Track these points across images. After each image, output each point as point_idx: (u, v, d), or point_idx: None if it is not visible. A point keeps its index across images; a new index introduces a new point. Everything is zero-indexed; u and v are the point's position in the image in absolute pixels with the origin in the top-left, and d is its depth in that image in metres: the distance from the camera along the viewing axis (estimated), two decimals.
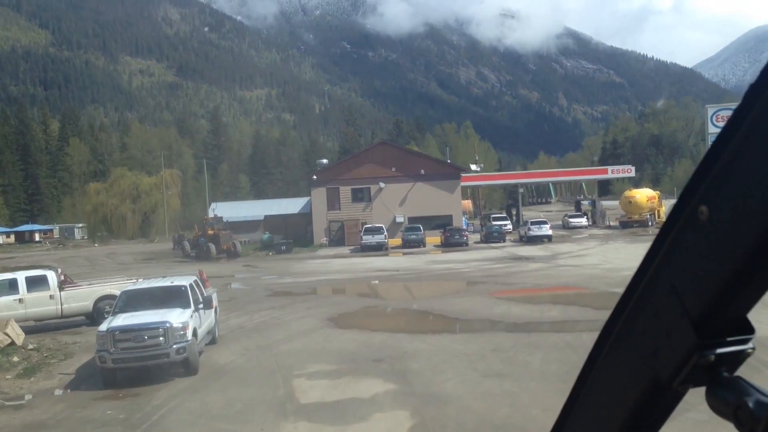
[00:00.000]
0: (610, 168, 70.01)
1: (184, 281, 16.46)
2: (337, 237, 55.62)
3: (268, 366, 15.01)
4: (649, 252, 1.01)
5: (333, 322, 20.34)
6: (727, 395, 0.92)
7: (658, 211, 59.49)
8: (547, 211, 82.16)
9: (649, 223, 56.33)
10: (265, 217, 61.20)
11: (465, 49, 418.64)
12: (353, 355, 15.61)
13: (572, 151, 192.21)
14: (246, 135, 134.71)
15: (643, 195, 57.76)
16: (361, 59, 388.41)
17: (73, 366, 16.17)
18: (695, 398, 1.04)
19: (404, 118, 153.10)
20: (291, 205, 66.41)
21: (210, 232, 50.04)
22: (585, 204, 71.39)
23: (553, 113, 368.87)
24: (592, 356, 1.16)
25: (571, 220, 59.61)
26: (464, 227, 53.77)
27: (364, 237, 48.89)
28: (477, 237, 52.57)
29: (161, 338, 13.96)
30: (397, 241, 51.07)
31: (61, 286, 21.54)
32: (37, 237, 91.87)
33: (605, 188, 78.96)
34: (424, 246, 49.56)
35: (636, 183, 69.57)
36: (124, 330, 13.99)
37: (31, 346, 18.19)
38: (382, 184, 56.10)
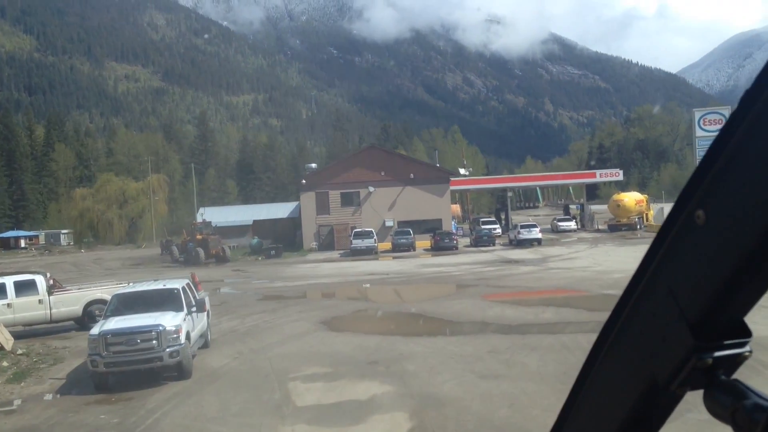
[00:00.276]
0: (598, 172, 70.34)
1: (177, 284, 16.28)
2: (327, 241, 55.44)
3: (262, 369, 14.86)
4: (647, 255, 1.02)
5: (326, 325, 20.21)
6: (725, 398, 0.92)
7: (646, 214, 59.80)
8: (534, 216, 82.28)
9: (638, 227, 56.59)
10: (254, 221, 60.91)
11: (451, 54, 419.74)
12: (348, 357, 15.49)
13: (559, 156, 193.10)
14: (233, 140, 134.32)
15: (632, 199, 58.01)
16: (348, 65, 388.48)
17: (63, 371, 15.94)
18: (695, 398, 1.03)
19: (392, 123, 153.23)
20: (280, 210, 66.15)
21: (199, 236, 49.75)
22: (573, 208, 71.59)
23: (540, 118, 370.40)
24: (590, 359, 1.16)
25: (560, 223, 59.77)
26: (454, 231, 53.76)
27: (354, 241, 48.76)
28: (466, 241, 52.57)
29: (154, 342, 13.77)
30: (386, 245, 50.98)
31: (50, 290, 21.26)
32: (22, 243, 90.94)
33: (592, 193, 79.24)
34: (414, 250, 49.51)
35: (623, 187, 69.80)
36: (117, 333, 13.80)
37: (20, 351, 17.94)
38: (371, 188, 56.00)
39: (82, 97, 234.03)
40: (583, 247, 44.72)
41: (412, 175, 56.28)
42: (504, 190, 68.66)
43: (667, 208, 53.22)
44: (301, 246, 55.69)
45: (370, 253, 47.76)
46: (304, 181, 58.35)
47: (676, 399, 1.05)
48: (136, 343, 13.73)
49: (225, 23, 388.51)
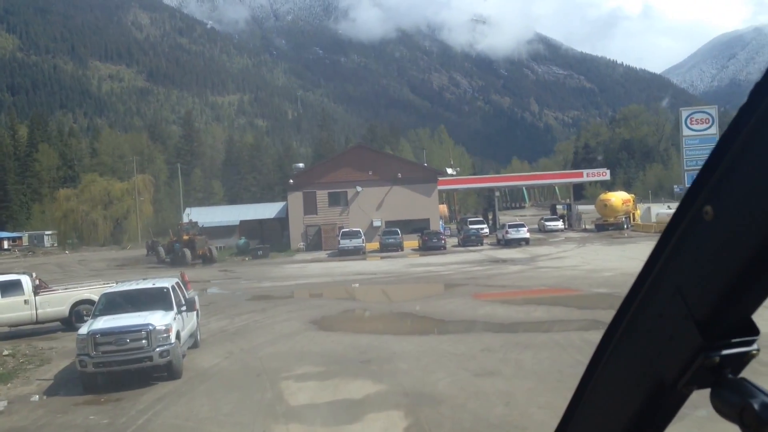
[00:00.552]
0: (585, 171, 70.58)
1: (166, 283, 16.09)
2: (314, 241, 55.24)
3: (253, 369, 14.70)
4: (654, 252, 1.01)
5: (316, 324, 20.06)
6: (732, 397, 0.92)
7: (633, 214, 60.02)
8: (521, 216, 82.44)
9: (625, 226, 56.79)
10: (241, 222, 60.57)
11: (437, 54, 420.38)
12: (340, 356, 15.36)
13: (545, 157, 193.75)
14: (219, 140, 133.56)
15: (619, 198, 58.21)
16: (334, 65, 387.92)
17: (50, 371, 15.70)
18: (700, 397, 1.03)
19: (378, 123, 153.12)
20: (267, 210, 65.82)
21: (185, 237, 49.40)
22: (560, 208, 71.81)
23: (525, 118, 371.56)
24: (595, 357, 1.15)
25: (548, 223, 59.88)
26: (442, 231, 53.71)
27: (342, 241, 48.60)
28: (454, 241, 52.52)
29: (144, 341, 13.58)
30: (374, 245, 50.85)
31: (36, 290, 20.96)
32: (5, 245, 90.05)
33: (578, 193, 79.46)
34: (402, 250, 49.40)
35: (609, 187, 70.06)
36: (106, 333, 13.58)
37: (6, 352, 17.66)
38: (359, 188, 55.85)
39: (66, 96, 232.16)
40: (571, 247, 44.81)
41: (399, 175, 56.17)
42: (491, 190, 68.74)
43: (654, 207, 53.40)
44: (289, 246, 55.44)
45: (358, 253, 47.62)
46: (291, 181, 58.11)
47: (682, 398, 1.04)
48: (126, 343, 13.53)
49: (210, 23, 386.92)
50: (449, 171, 70.99)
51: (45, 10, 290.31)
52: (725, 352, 0.94)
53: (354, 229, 50.17)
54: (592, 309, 20.28)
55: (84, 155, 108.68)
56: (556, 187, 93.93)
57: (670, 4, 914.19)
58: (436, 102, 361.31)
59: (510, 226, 49.52)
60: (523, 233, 48.08)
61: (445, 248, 47.91)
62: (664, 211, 58.77)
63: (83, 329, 14.00)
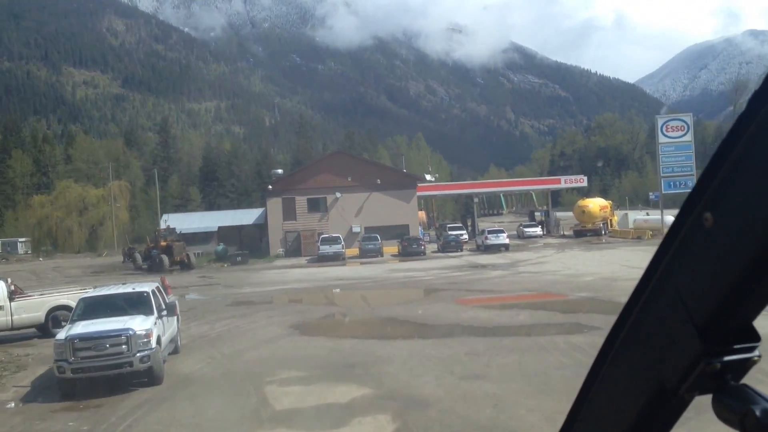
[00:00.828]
0: (563, 178, 70.96)
1: (146, 287, 15.81)
2: (293, 247, 54.89)
3: (236, 374, 14.49)
4: (654, 258, 1.01)
5: (298, 329, 19.86)
6: (734, 403, 0.91)
7: (611, 220, 60.47)
8: (499, 222, 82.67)
9: (602, 232, 57.18)
10: (219, 228, 60.05)
11: (414, 62, 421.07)
12: (324, 361, 15.20)
13: (521, 164, 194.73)
14: (196, 147, 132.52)
15: (596, 204, 58.65)
16: (311, 72, 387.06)
17: (27, 378, 15.33)
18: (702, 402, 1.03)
19: (356, 130, 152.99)
20: (245, 216, 65.32)
21: (163, 243, 48.85)
22: (538, 215, 72.17)
23: (502, 126, 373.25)
24: (597, 362, 1.15)
25: (526, 229, 60.07)
26: (421, 237, 53.67)
27: (321, 247, 48.36)
28: (434, 247, 52.50)
29: (124, 346, 13.31)
30: (354, 251, 50.65)
31: (11, 296, 20.51)
32: None
33: (555, 200, 79.93)
34: (382, 255, 49.27)
35: (585, 194, 70.69)
36: (84, 338, 13.30)
37: None
38: (338, 194, 55.65)
39: (39, 103, 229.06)
40: (551, 252, 44.99)
41: (379, 181, 56.07)
42: (469, 196, 68.84)
43: (631, 214, 53.77)
44: (268, 252, 55.03)
45: (337, 259, 47.41)
46: (270, 187, 57.76)
47: (684, 404, 1.03)
48: (105, 348, 13.25)
49: (186, 29, 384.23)
50: (428, 177, 71.04)
51: (18, 16, 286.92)
52: (727, 358, 0.94)
53: (333, 235, 49.96)
54: (575, 313, 20.30)
55: (58, 162, 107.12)
56: (534, 194, 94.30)
57: (642, 14, 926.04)
58: (413, 110, 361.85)
59: (489, 232, 49.62)
60: (503, 239, 48.18)
61: (424, 254, 47.86)
62: (641, 217, 59.31)
63: (61, 334, 13.70)
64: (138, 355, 13.27)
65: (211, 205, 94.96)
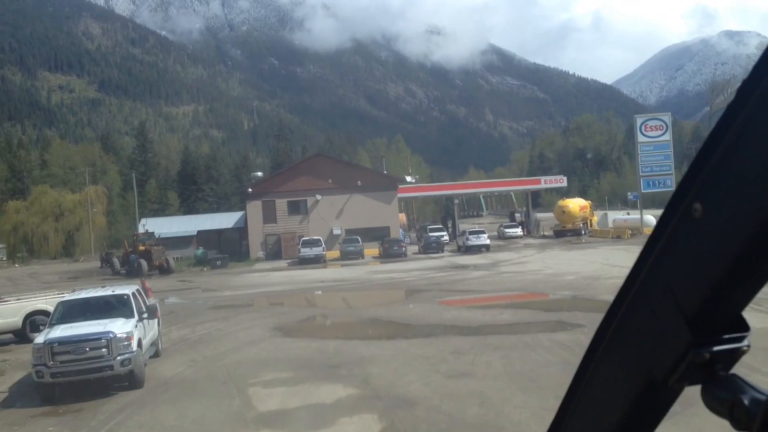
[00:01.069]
0: (543, 178, 71.29)
1: (127, 290, 15.58)
2: (274, 250, 54.59)
3: (218, 376, 14.31)
4: (644, 250, 1.01)
5: (281, 331, 19.70)
6: (723, 393, 0.92)
7: (590, 220, 60.83)
8: (479, 224, 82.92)
9: (582, 232, 57.47)
10: (198, 232, 59.58)
11: (393, 65, 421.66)
12: (308, 362, 15.07)
13: (500, 166, 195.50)
14: (174, 151, 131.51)
15: (576, 204, 58.98)
16: (290, 75, 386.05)
17: (4, 384, 15.05)
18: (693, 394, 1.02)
19: (335, 133, 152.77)
20: (225, 220, 64.87)
21: (141, 248, 48.37)
22: (518, 216, 72.45)
23: (481, 129, 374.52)
24: (587, 355, 1.15)
25: (507, 230, 60.23)
26: (402, 238, 53.61)
27: (302, 250, 48.14)
28: (415, 248, 52.47)
29: (104, 350, 13.10)
30: (335, 253, 50.48)
31: None
32: None
33: (535, 201, 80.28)
34: (363, 257, 49.14)
35: (564, 195, 71.09)
36: (63, 342, 13.06)
37: None
38: (318, 197, 55.46)
39: (14, 108, 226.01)
40: (532, 252, 45.11)
41: (359, 183, 55.95)
42: (450, 198, 68.93)
43: (611, 213, 54.12)
44: (248, 256, 54.70)
45: (318, 261, 47.23)
46: (250, 190, 57.43)
47: (674, 394, 1.04)
48: (85, 352, 13.02)
49: (163, 32, 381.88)
50: (408, 179, 71.01)
51: None
52: (716, 348, 0.94)
53: (314, 238, 49.75)
54: (558, 311, 20.33)
55: (34, 167, 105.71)
56: (513, 195, 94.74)
57: (619, 16, 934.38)
58: (393, 112, 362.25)
59: (470, 233, 49.68)
60: (484, 240, 48.25)
61: (406, 255, 47.80)
62: (620, 216, 59.75)
63: (39, 338, 13.46)
64: (119, 358, 13.07)
65: (189, 210, 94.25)
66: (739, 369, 0.96)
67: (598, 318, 1.12)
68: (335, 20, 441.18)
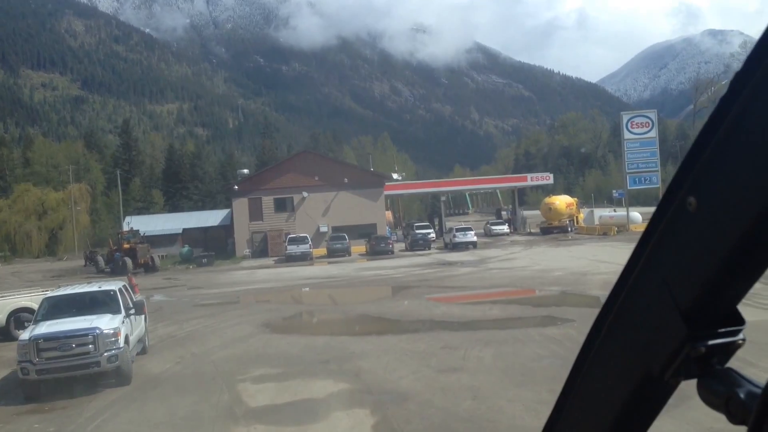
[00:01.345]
0: (529, 175, 71.47)
1: (113, 286, 15.37)
2: (260, 248, 54.33)
3: (207, 372, 14.14)
4: (639, 244, 1.00)
5: (269, 327, 19.55)
6: (719, 387, 0.92)
7: (577, 217, 61.03)
8: (465, 222, 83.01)
9: (569, 229, 57.61)
10: (184, 230, 59.21)
11: (378, 63, 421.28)
12: (297, 357, 14.94)
13: (486, 164, 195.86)
14: (158, 149, 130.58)
15: (563, 202, 59.14)
16: (275, 73, 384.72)
17: None
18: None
19: (321, 131, 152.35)
20: (211, 218, 64.49)
21: (126, 246, 47.98)
22: (504, 213, 72.55)
23: (466, 127, 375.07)
24: (583, 350, 1.15)
25: (493, 227, 60.26)
26: (389, 236, 53.50)
27: (289, 247, 47.94)
28: (401, 246, 52.38)
29: (91, 346, 12.88)
30: (321, 250, 50.32)
31: None
32: None
33: (521, 199, 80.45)
34: (350, 255, 49.03)
35: (550, 192, 71.19)
36: (49, 338, 12.84)
37: None
38: (305, 194, 55.25)
39: None
40: (519, 249, 45.15)
41: (346, 180, 55.80)
42: (436, 196, 68.89)
43: (597, 211, 54.30)
44: (234, 254, 54.41)
45: (305, 258, 47.07)
46: (236, 187, 57.11)
47: (670, 389, 1.04)
48: (71, 348, 12.80)
49: (147, 30, 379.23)
50: (395, 176, 70.88)
51: None
52: (711, 342, 0.94)
53: (301, 235, 49.56)
54: (547, 306, 20.31)
55: (16, 165, 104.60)
56: (499, 193, 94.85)
57: (604, 15, 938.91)
58: (378, 110, 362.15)
59: (458, 230, 49.66)
60: (471, 237, 48.24)
61: (392, 252, 47.72)
62: (607, 213, 60.01)
63: (24, 335, 13.25)
64: (105, 354, 12.87)
65: (174, 208, 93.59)
66: (732, 363, 0.97)
67: (587, 313, 1.14)
68: (320, 18, 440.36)
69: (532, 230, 62.08)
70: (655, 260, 0.97)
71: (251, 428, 10.14)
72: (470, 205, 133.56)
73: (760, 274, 0.89)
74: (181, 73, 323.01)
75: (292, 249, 47.62)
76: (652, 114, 55.02)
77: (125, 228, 56.80)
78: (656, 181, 53.41)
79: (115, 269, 46.39)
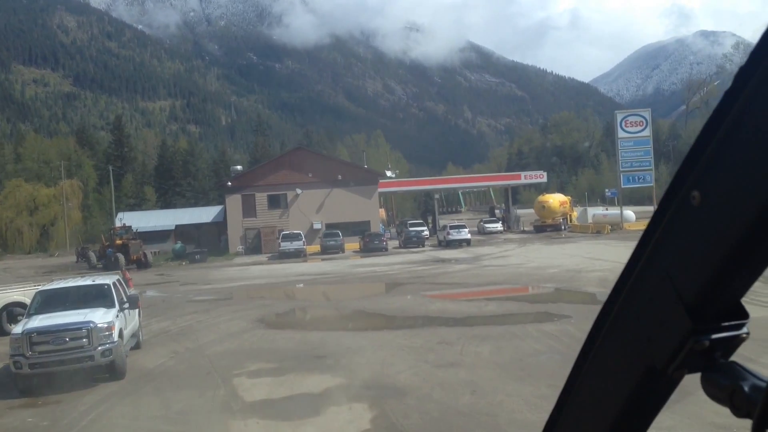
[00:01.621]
0: (523, 174, 71.56)
1: (107, 279, 15.24)
2: (254, 245, 54.15)
3: (202, 367, 14.03)
4: (643, 238, 1.01)
5: (263, 323, 19.44)
6: (723, 380, 0.92)
7: (570, 215, 61.08)
8: (458, 220, 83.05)
9: (562, 227, 57.63)
10: (177, 226, 58.97)
11: (371, 61, 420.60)
12: (293, 352, 14.84)
13: (479, 163, 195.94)
14: (151, 146, 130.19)
15: (556, 200, 59.13)
16: (268, 70, 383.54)
17: None
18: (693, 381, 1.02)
19: (314, 129, 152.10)
20: (203, 214, 64.26)
21: (118, 241, 47.72)
22: (498, 212, 72.57)
23: (459, 126, 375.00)
24: (587, 343, 1.15)
25: (487, 225, 60.22)
26: (382, 233, 53.42)
27: (282, 244, 47.79)
28: (395, 243, 52.31)
29: (84, 340, 12.76)
30: (315, 247, 50.19)
31: None
32: None
33: (514, 197, 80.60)
34: (344, 252, 48.91)
35: (543, 191, 71.22)
36: (42, 332, 12.71)
37: None
38: (298, 191, 55.08)
39: None
40: (513, 247, 45.13)
41: (339, 177, 55.68)
42: (429, 194, 68.91)
43: (590, 209, 54.35)
44: (227, 250, 54.20)
45: (299, 255, 46.94)
46: (229, 183, 56.88)
47: (674, 382, 1.04)
48: (65, 342, 12.67)
49: (140, 26, 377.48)
50: (389, 173, 70.78)
51: None
52: (715, 336, 0.94)
53: (294, 232, 49.41)
54: (544, 303, 20.26)
55: (7, 161, 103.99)
56: (492, 192, 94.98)
57: (596, 15, 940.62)
58: (371, 108, 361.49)
59: (451, 228, 49.61)
60: (465, 234, 48.20)
61: (386, 250, 47.65)
62: (600, 212, 60.07)
63: (17, 328, 13.13)
64: (99, 348, 12.76)
65: (166, 205, 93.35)
66: (733, 359, 0.97)
67: (584, 309, 1.14)
68: (314, 16, 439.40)
69: (526, 228, 62.09)
70: (659, 254, 0.98)
71: (248, 422, 10.04)
72: (463, 204, 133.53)
73: (763, 268, 0.89)
74: (174, 70, 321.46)
75: (286, 246, 47.47)
76: (646, 113, 55.08)
77: (118, 224, 56.52)
78: (650, 180, 53.46)
79: (108, 265, 46.14)
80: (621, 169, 53.28)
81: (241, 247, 54.22)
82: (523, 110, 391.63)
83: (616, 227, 52.10)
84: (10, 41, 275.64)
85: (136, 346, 15.89)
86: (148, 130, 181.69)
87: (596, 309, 1.11)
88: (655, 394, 1.08)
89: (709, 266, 0.89)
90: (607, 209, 61.55)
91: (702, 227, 0.90)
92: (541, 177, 66.90)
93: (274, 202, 55.55)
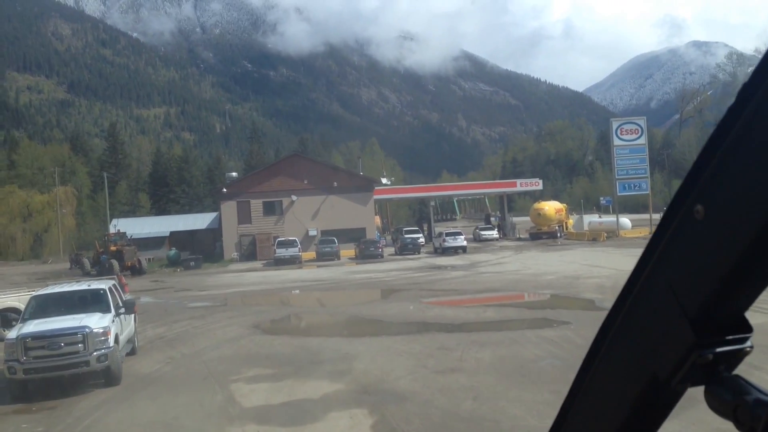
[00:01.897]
0: (518, 181, 71.53)
1: (103, 284, 15.07)
2: (249, 251, 53.91)
3: (198, 373, 13.87)
4: (646, 251, 1.01)
5: (260, 329, 19.28)
6: (726, 394, 0.92)
7: (566, 222, 61.07)
8: (453, 227, 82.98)
9: (558, 235, 57.61)
10: (171, 233, 58.71)
11: (366, 69, 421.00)
12: (290, 358, 14.70)
13: (473, 171, 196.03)
14: (145, 153, 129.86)
15: (552, 207, 59.12)
16: (263, 78, 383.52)
17: None
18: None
19: (309, 136, 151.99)
20: (198, 221, 64.03)
21: (113, 248, 47.47)
22: (493, 219, 72.53)
23: (453, 134, 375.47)
24: (589, 355, 1.15)
25: (482, 232, 60.17)
26: (378, 240, 53.27)
27: (278, 250, 47.60)
28: (391, 250, 52.18)
29: (80, 345, 12.60)
30: (310, 254, 49.99)
31: None
32: None
33: (509, 205, 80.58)
34: (339, 258, 48.76)
35: (538, 199, 71.22)
36: (37, 337, 12.54)
37: None
38: (294, 197, 54.92)
39: None
40: (509, 254, 45.05)
41: (335, 184, 55.54)
42: (424, 201, 68.80)
43: (586, 217, 54.32)
44: (222, 257, 53.97)
45: (294, 262, 46.75)
46: (225, 190, 56.67)
47: (677, 395, 1.03)
48: (60, 347, 12.50)
49: (134, 34, 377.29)
50: (384, 181, 70.70)
51: None
52: (719, 349, 0.94)
53: (290, 239, 49.22)
54: (542, 309, 20.17)
55: (1, 167, 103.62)
56: (487, 199, 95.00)
57: (590, 25, 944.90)
58: (366, 116, 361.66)
59: (447, 235, 49.50)
60: (461, 241, 48.11)
61: (382, 257, 47.49)
62: (596, 219, 60.06)
63: (12, 333, 12.95)
64: (95, 354, 12.60)
65: (161, 212, 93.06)
66: (739, 366, 0.97)
67: (582, 315, 1.14)
68: (308, 24, 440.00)
69: (522, 236, 62.03)
70: (662, 267, 0.97)
71: (247, 428, 9.89)
72: (458, 212, 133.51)
73: (767, 282, 0.90)
74: (169, 78, 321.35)
75: (281, 252, 47.29)
76: (642, 121, 55.14)
77: (112, 230, 56.32)
78: (645, 188, 53.50)
79: (102, 272, 45.85)
80: (617, 177, 53.31)
81: (236, 253, 53.99)
82: (517, 119, 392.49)
83: (612, 235, 52.08)
84: (4, 48, 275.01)
85: (132, 352, 15.74)
86: (142, 138, 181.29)
87: (595, 315, 1.13)
88: (658, 406, 1.07)
89: (713, 280, 0.89)
90: (600, 216, 61.52)
91: (705, 241, 0.90)
92: (536, 185, 66.91)
93: (270, 208, 55.36)
